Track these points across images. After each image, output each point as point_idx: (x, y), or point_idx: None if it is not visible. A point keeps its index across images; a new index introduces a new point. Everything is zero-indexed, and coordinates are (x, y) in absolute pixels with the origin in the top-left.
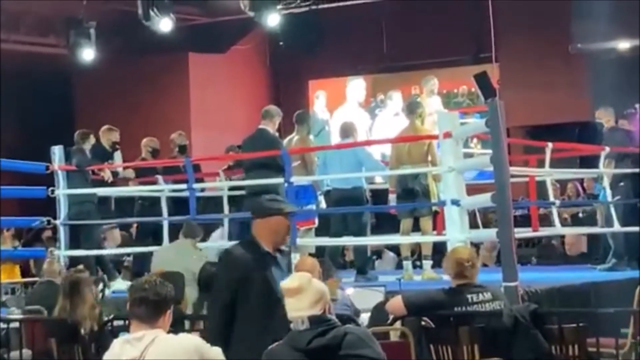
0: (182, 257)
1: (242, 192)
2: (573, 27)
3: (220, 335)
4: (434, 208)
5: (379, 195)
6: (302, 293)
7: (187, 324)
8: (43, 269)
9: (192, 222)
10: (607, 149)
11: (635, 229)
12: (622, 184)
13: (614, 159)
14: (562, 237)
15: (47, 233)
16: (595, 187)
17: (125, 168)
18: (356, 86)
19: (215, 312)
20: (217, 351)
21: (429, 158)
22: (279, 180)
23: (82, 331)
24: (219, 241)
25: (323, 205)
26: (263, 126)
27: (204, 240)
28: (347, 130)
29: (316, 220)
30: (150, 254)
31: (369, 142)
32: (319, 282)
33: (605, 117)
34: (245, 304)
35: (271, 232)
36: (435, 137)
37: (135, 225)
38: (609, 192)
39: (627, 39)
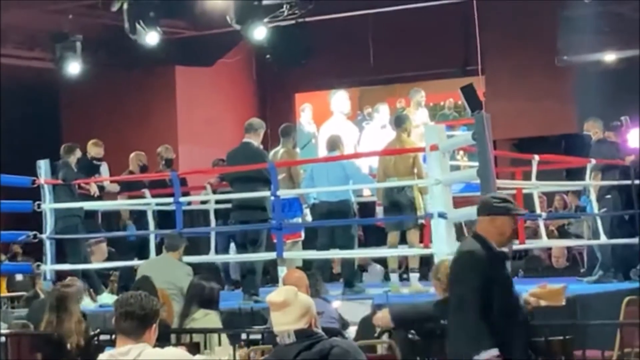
0: (167, 271)
1: (229, 206)
2: (559, 40)
3: (490, 337)
4: (420, 221)
5: (367, 208)
6: (288, 307)
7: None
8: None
9: (173, 234)
10: (593, 161)
11: (621, 241)
12: (608, 196)
13: (601, 170)
14: (549, 249)
15: (16, 248)
16: (582, 200)
17: (111, 182)
18: (339, 98)
19: (472, 315)
20: None
21: (415, 171)
22: (265, 193)
23: (69, 346)
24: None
25: (309, 218)
26: (247, 139)
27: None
28: (333, 143)
29: (302, 234)
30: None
31: (355, 155)
32: (305, 296)
33: (593, 129)
34: (492, 305)
35: (497, 232)
36: (422, 149)
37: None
38: (595, 204)
39: (613, 51)
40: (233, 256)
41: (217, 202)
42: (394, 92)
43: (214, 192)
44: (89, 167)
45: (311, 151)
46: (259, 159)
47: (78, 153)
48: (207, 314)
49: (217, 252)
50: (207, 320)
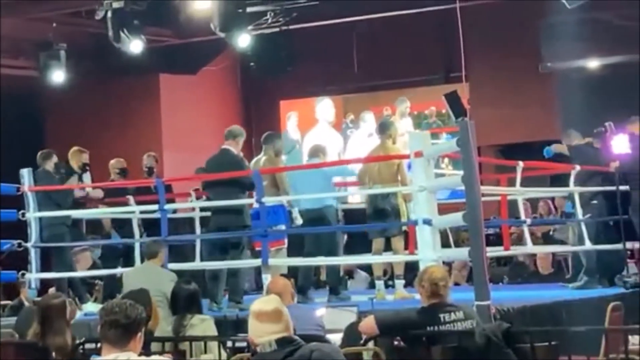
0: (151, 278)
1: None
2: (543, 46)
3: None
4: (404, 228)
5: (353, 215)
6: (277, 317)
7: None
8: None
9: (150, 242)
10: (578, 167)
11: (606, 247)
12: (594, 202)
13: (584, 176)
14: (534, 255)
15: None
16: (567, 206)
17: (94, 188)
18: (324, 106)
19: None
20: None
21: (399, 178)
22: (249, 200)
23: (54, 354)
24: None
25: (299, 221)
26: (226, 146)
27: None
28: (315, 151)
29: (285, 241)
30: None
31: (338, 162)
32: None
33: (573, 142)
34: None
35: None
36: (406, 156)
37: None
38: (579, 210)
39: (596, 58)
40: (218, 263)
41: (202, 209)
42: (378, 99)
43: (199, 199)
44: (73, 175)
45: (295, 158)
46: (237, 166)
47: (55, 159)
48: (203, 319)
49: (201, 259)
50: (205, 327)
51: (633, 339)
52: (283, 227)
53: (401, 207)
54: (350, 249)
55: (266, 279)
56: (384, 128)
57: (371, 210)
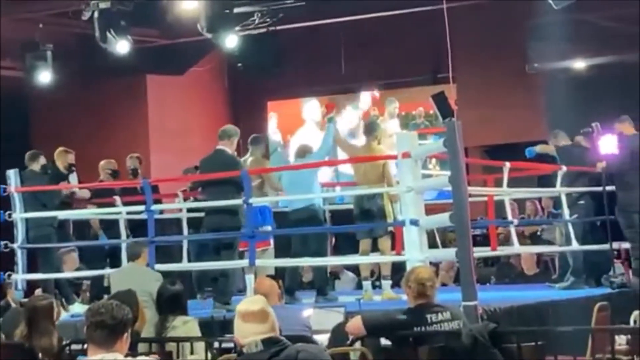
0: (136, 279)
1: (201, 214)
2: (529, 47)
3: None
4: (390, 228)
5: (340, 216)
6: (264, 317)
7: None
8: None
9: (132, 243)
10: (564, 167)
11: (593, 247)
12: (581, 202)
13: (571, 177)
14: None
15: None
16: (555, 206)
17: (81, 188)
18: (312, 107)
19: None
20: None
21: (385, 179)
22: (238, 201)
23: (40, 355)
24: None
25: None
26: (221, 147)
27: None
28: (301, 151)
29: (272, 242)
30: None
31: (323, 163)
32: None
33: (559, 143)
34: None
35: None
36: (393, 157)
37: None
38: (566, 210)
39: (582, 59)
40: (205, 264)
41: (189, 210)
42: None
43: (186, 200)
44: (59, 175)
45: (277, 159)
46: (232, 166)
47: (42, 160)
48: (185, 321)
49: (189, 260)
50: (187, 328)
51: (619, 339)
52: (269, 227)
53: (387, 208)
54: (337, 250)
55: (249, 280)
56: (370, 129)
57: (357, 211)
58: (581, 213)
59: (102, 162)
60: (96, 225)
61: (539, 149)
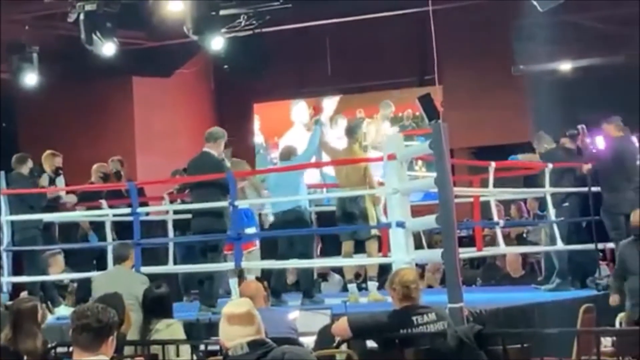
0: (122, 282)
1: (187, 216)
2: (515, 49)
3: None
4: (374, 231)
5: (325, 218)
6: (250, 319)
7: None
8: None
9: (119, 245)
10: (550, 165)
11: (578, 247)
12: (566, 203)
13: (556, 178)
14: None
15: None
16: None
17: (68, 192)
18: (299, 109)
19: None
20: None
21: (367, 181)
22: (224, 203)
23: (25, 358)
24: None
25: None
26: (207, 149)
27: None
28: (286, 153)
29: (257, 243)
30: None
31: (308, 165)
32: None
33: (541, 146)
34: None
35: None
36: (380, 159)
37: None
38: (552, 211)
39: (568, 61)
40: (191, 266)
41: (176, 212)
42: (352, 102)
43: (172, 202)
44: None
45: (260, 162)
46: (218, 169)
47: (30, 163)
48: (169, 324)
49: (175, 262)
50: (170, 331)
51: (605, 341)
52: (254, 229)
53: (369, 210)
54: (324, 252)
55: (233, 283)
56: (351, 132)
57: (340, 214)
58: (566, 215)
59: (95, 166)
60: (86, 226)
61: (521, 157)
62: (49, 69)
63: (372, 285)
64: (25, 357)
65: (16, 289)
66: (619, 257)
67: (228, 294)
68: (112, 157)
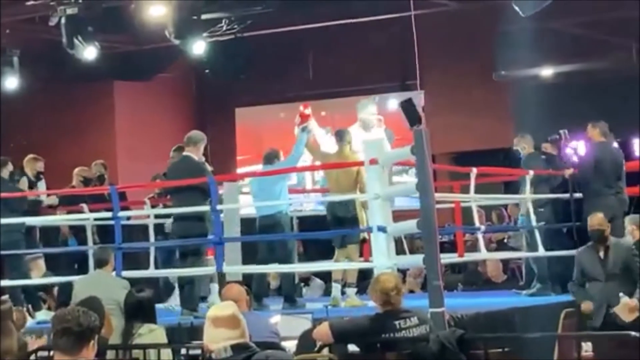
0: (102, 286)
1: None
2: (497, 55)
3: None
4: (362, 236)
5: (307, 223)
6: (235, 323)
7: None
8: None
9: (99, 249)
10: (531, 172)
11: (558, 253)
12: (542, 209)
13: (535, 183)
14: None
15: None
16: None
17: (49, 195)
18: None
19: None
20: None
21: (359, 186)
22: (205, 207)
23: (2, 356)
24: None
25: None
26: (187, 153)
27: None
28: (269, 157)
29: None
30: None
31: (293, 169)
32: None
33: (521, 145)
34: None
35: None
36: (361, 163)
37: None
38: (532, 217)
39: (550, 66)
40: (172, 271)
41: (157, 216)
42: (334, 106)
43: (154, 207)
44: (29, 182)
45: None
46: (198, 172)
47: (10, 167)
48: (152, 329)
49: (157, 266)
50: (153, 336)
51: (586, 346)
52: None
53: (360, 215)
54: (306, 257)
55: (214, 287)
56: (341, 136)
57: (330, 218)
58: (544, 220)
59: (76, 169)
60: (66, 230)
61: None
62: (30, 72)
63: (351, 291)
64: (2, 356)
65: None
66: (577, 264)
67: (202, 299)
68: (94, 161)
